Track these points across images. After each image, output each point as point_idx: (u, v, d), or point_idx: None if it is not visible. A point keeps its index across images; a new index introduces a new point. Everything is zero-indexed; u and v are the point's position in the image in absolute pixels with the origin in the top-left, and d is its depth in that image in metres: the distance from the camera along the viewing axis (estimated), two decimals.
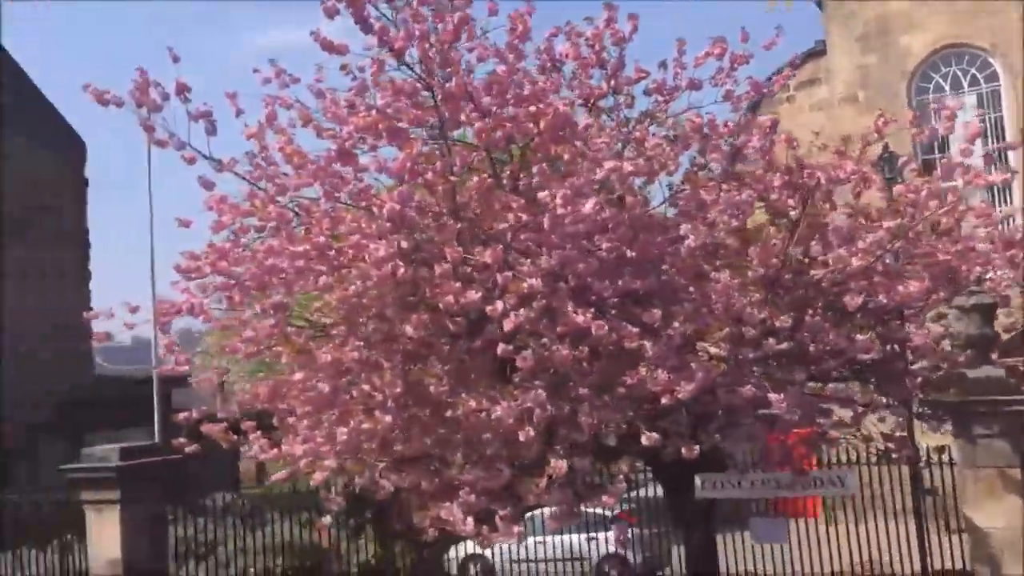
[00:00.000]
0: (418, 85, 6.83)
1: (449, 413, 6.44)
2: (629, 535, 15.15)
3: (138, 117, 7.44)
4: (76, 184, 24.09)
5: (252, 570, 13.91)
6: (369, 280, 6.11)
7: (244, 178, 7.77)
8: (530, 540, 13.58)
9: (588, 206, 5.83)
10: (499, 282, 6.14)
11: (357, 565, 15.12)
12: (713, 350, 5.96)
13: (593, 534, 15.02)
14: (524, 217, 6.66)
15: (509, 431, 6.40)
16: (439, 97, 6.94)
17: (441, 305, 6.21)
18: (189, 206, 8.98)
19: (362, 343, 6.51)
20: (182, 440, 7.79)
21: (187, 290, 7.47)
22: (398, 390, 6.18)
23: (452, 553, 16.45)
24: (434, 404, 6.42)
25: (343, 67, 7.29)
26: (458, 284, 6.19)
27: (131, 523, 9.85)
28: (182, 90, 7.40)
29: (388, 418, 6.15)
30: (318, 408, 6.68)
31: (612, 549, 15.32)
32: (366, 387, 6.33)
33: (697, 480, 8.29)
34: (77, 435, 22.82)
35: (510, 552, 15.11)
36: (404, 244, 6.19)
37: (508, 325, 6.12)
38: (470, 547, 15.84)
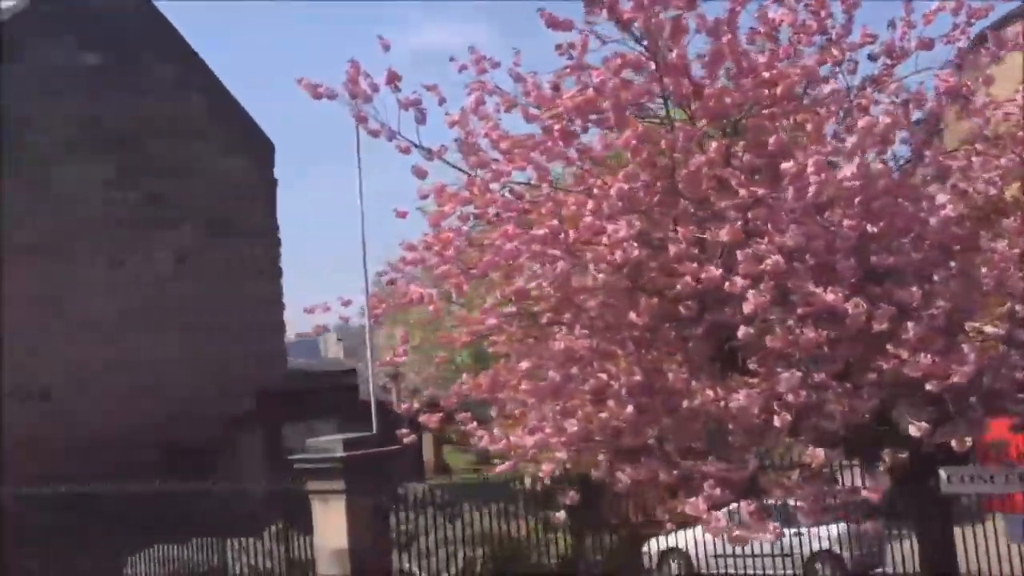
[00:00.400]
0: (644, 58, 6.60)
1: (685, 403, 6.18)
2: (839, 532, 14.47)
3: (350, 108, 7.52)
4: (266, 183, 25.13)
5: (455, 561, 14.03)
6: (603, 264, 5.92)
7: (454, 166, 7.76)
8: None
9: (850, 169, 5.39)
10: (739, 260, 5.83)
11: (555, 557, 15.08)
12: (989, 329, 5.43)
13: (801, 529, 14.40)
14: (759, 192, 6.33)
15: (750, 420, 6.10)
16: (661, 70, 6.70)
17: (678, 287, 5.96)
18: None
19: (587, 330, 6.34)
20: (405, 430, 7.85)
21: (394, 281, 7.50)
22: (636, 378, 5.95)
23: (648, 547, 16.15)
24: (670, 393, 6.17)
25: (558, 46, 7.15)
26: (694, 264, 5.93)
27: (356, 513, 10.04)
28: (392, 79, 7.42)
29: (628, 408, 5.93)
30: (544, 398, 6.55)
31: (823, 545, 14.67)
32: (602, 375, 6.13)
33: (942, 474, 7.71)
34: (274, 427, 23.81)
35: (713, 546, 14.67)
36: (637, 224, 5.96)
37: (748, 307, 5.80)
38: (664, 540, 15.52)
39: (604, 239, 6.04)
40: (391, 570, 10.61)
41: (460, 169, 7.76)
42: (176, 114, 22.95)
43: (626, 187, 6.29)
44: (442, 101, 7.59)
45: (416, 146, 7.49)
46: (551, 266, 5.97)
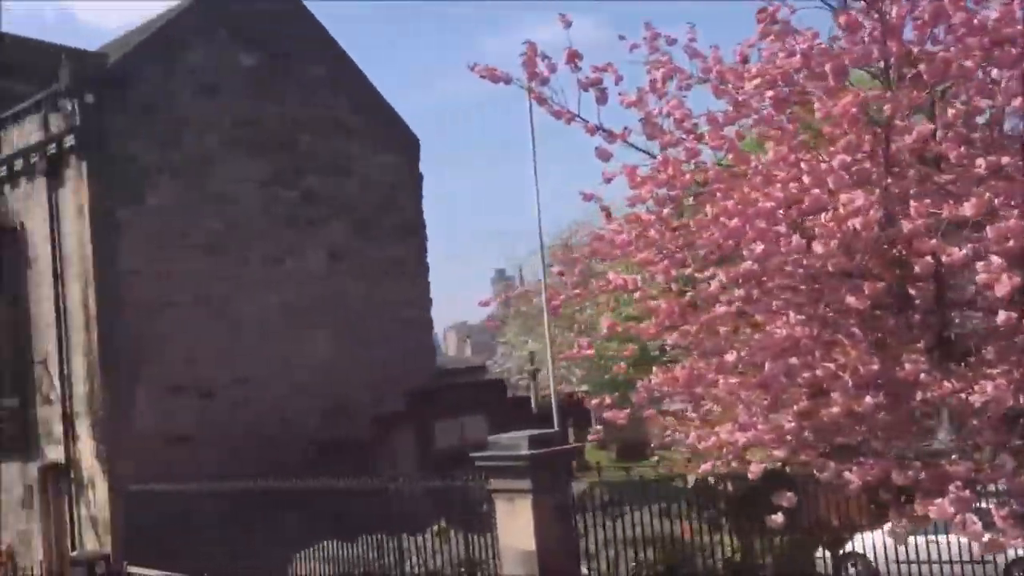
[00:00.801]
0: (862, 20, 6.09)
1: (920, 396, 5.62)
2: None
3: (529, 90, 7.28)
4: (412, 180, 25.32)
5: (624, 563, 13.63)
6: (831, 240, 5.43)
7: (639, 148, 7.40)
8: (920, 540, 12.28)
9: None
10: (990, 236, 5.24)
11: (721, 559, 14.53)
12: None
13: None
14: (1003, 160, 5.72)
15: (999, 416, 5.50)
16: (882, 32, 6.16)
17: (916, 268, 5.42)
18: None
19: (809, 317, 5.85)
20: (598, 428, 7.52)
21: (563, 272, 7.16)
22: (875, 367, 5.43)
23: (823, 551, 15.35)
24: (903, 385, 5.63)
25: (760, 12, 6.71)
26: (933, 241, 5.37)
27: (542, 513, 9.76)
28: (572, 58, 7.12)
29: (865, 400, 5.41)
30: (757, 392, 6.10)
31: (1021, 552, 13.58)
32: (829, 366, 5.63)
33: None
34: (425, 424, 23.95)
35: (895, 551, 13.79)
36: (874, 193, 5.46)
37: (1002, 290, 5.20)
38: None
39: (827, 215, 5.56)
40: (578, 573, 10.28)
41: (640, 150, 7.42)
42: (328, 113, 23.31)
43: (848, 158, 5.80)
44: (619, 80, 7.27)
45: (599, 128, 7.20)
46: (783, 243, 5.49)
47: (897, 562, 13.99)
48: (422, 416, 24.21)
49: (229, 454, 19.78)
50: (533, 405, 29.51)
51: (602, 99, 7.22)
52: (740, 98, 6.79)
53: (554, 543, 9.94)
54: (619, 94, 7.31)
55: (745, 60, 7.05)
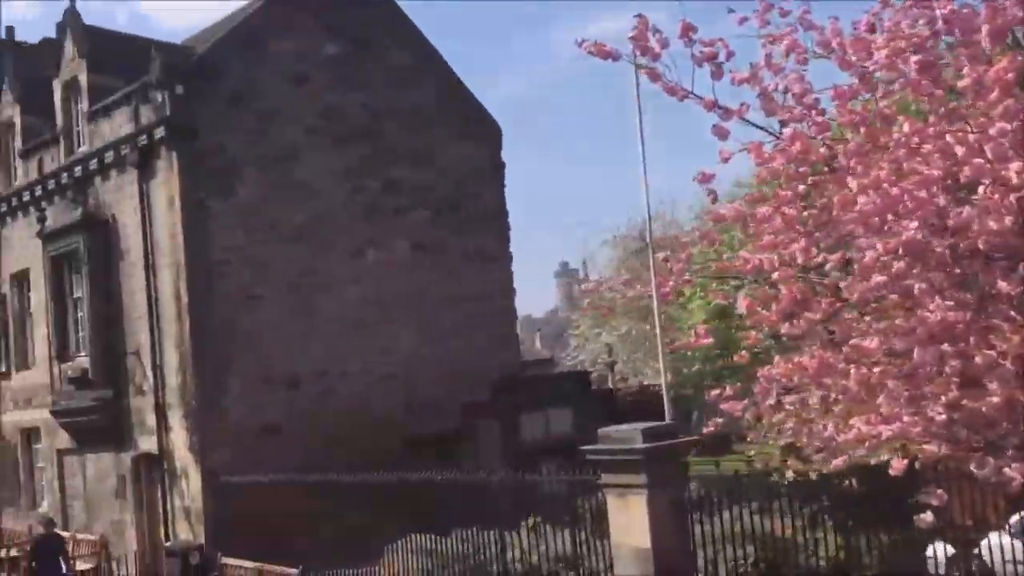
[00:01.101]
0: None
1: None
2: None
3: (639, 66, 7.02)
4: (494, 168, 25.11)
5: (723, 561, 13.22)
6: (997, 212, 5.01)
7: (757, 125, 7.08)
8: None
9: None
10: None
11: (824, 558, 14.02)
12: None
13: None
14: None
15: None
16: None
17: None
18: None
19: (963, 299, 5.43)
20: (718, 421, 7.17)
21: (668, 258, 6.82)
22: None
23: (933, 550, 14.71)
24: None
25: None
26: None
27: (658, 509, 9.44)
28: (686, 31, 6.81)
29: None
30: (903, 381, 5.70)
31: None
32: (991, 353, 5.20)
33: None
34: (510, 416, 23.74)
35: (1012, 551, 13.11)
36: None
37: None
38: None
39: (987, 188, 5.14)
40: (695, 572, 9.92)
41: (758, 127, 7.11)
42: (410, 102, 23.21)
43: (1008, 126, 5.36)
44: (730, 55, 6.95)
45: (716, 105, 6.88)
46: (941, 216, 5.09)
47: (1014, 562, 13.37)
48: (507, 408, 24.01)
49: (316, 446, 19.86)
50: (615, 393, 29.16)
51: (718, 74, 6.93)
52: (870, 69, 6.42)
53: (670, 541, 9.61)
54: (729, 71, 7.01)
55: (872, 30, 6.68)
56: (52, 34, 27.20)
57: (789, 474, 14.87)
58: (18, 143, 24.34)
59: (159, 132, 19.24)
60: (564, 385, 26.17)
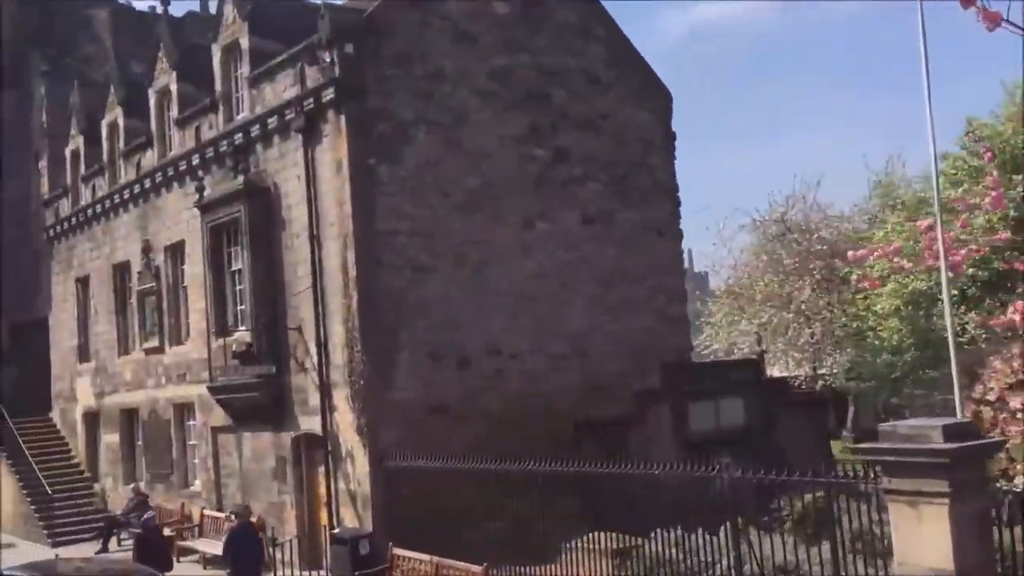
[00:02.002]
0: None
1: None
2: None
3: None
4: (664, 137, 23.49)
5: None
6: None
7: None
8: None
9: None
10: None
11: None
12: None
13: None
14: None
15: None
16: None
17: None
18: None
19: None
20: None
21: None
22: None
23: None
24: None
25: None
26: None
27: (962, 524, 7.77)
28: None
29: None
30: None
31: None
32: None
33: None
34: (680, 403, 22.20)
35: None
36: None
37: None
38: None
39: None
40: None
41: None
42: (580, 64, 21.80)
43: None
44: None
45: None
46: None
47: None
48: (677, 395, 22.51)
49: (484, 430, 18.71)
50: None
51: None
52: None
53: (974, 562, 7.92)
54: None
55: None
56: (196, 8, 26.70)
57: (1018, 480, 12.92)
58: (174, 111, 23.82)
59: (327, 94, 18.23)
60: (735, 373, 24.43)
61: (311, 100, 18.59)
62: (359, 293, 17.73)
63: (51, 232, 31.15)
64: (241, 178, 20.08)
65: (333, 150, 18.32)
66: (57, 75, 32.63)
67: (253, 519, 17.07)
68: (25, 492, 27.71)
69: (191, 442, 23.88)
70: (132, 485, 25.32)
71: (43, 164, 32.62)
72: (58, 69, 32.47)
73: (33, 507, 27.24)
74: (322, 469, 19.29)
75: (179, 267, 24.25)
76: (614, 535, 15.63)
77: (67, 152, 30.09)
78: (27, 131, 33.79)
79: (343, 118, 18.05)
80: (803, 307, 30.30)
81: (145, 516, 20.46)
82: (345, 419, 18.02)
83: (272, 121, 19.73)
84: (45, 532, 26.43)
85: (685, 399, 22.63)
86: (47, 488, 26.80)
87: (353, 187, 17.93)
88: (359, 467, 17.70)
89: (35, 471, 27.68)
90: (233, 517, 16.32)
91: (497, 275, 19.78)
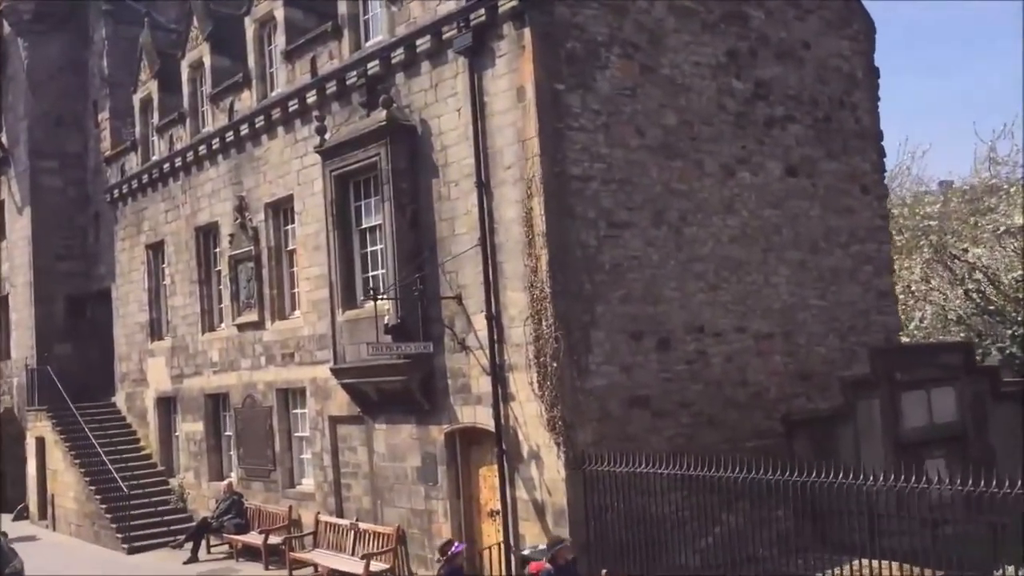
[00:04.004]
0: None
1: None
2: None
3: None
4: (868, 74, 19.93)
5: None
6: None
7: None
8: None
9: None
10: None
11: None
12: None
13: None
14: None
15: None
16: None
17: None
18: None
19: None
20: None
21: None
22: None
23: None
24: None
25: None
26: None
27: None
28: None
29: None
30: None
31: None
32: None
33: None
34: (892, 395, 18.83)
35: None
36: None
37: None
38: None
39: None
40: None
41: None
42: None
43: None
44: None
45: None
46: None
47: None
48: (888, 384, 19.08)
49: (686, 426, 15.46)
50: None
51: None
52: None
53: None
54: None
55: None
56: None
57: None
58: (280, 42, 20.46)
59: (505, 2, 14.79)
60: (945, 357, 20.89)
61: (480, 12, 15.16)
62: (549, 252, 14.32)
63: (114, 193, 27.92)
64: (383, 113, 16.67)
65: (512, 73, 14.89)
66: (122, 15, 29.31)
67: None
68: (93, 489, 24.58)
69: (299, 434, 20.63)
70: (225, 482, 22.10)
71: (104, 116, 29.38)
72: (123, 8, 29.14)
73: (103, 506, 24.12)
74: (484, 470, 16.01)
75: (284, 227, 20.94)
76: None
77: (136, 100, 26.80)
78: (84, 79, 30.53)
79: (527, 32, 14.61)
80: (912, 288, 27.44)
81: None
82: (528, 410, 14.66)
83: (424, 42, 16.31)
84: (118, 535, 23.33)
85: (897, 390, 19.21)
86: (122, 485, 23.62)
87: (541, 119, 14.50)
88: (549, 471, 14.34)
89: (106, 464, 24.52)
90: (545, 552, 12.52)
91: (698, 235, 16.37)
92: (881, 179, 20.06)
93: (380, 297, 15.41)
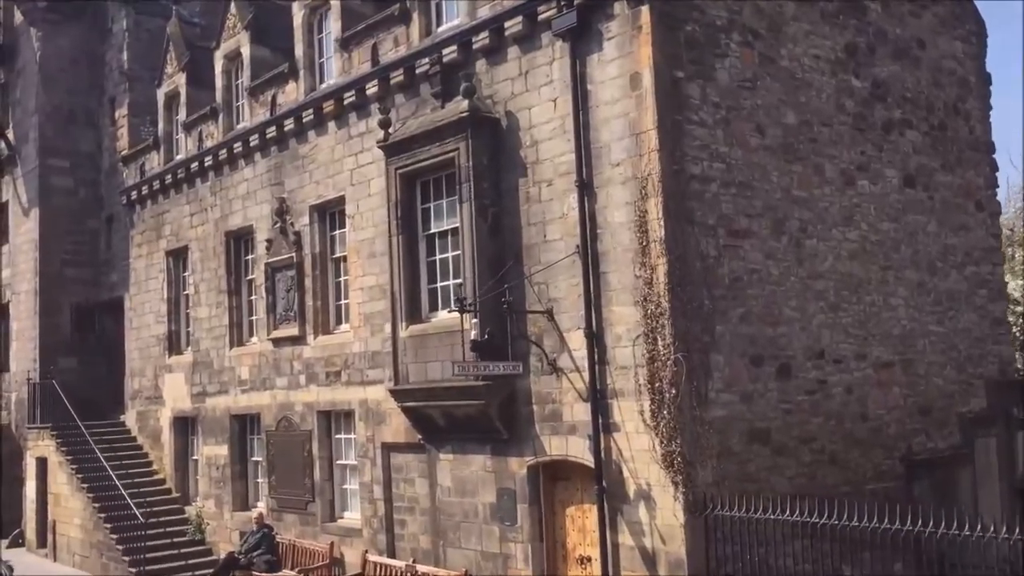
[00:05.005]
0: None
1: None
2: None
3: None
4: (980, 79, 18.36)
5: None
6: None
7: None
8: None
9: None
10: None
11: None
12: None
13: None
14: None
15: None
16: None
17: None
18: None
19: None
20: None
21: None
22: None
23: None
24: None
25: None
26: None
27: None
28: None
29: None
30: None
31: None
32: None
33: None
34: (1008, 434, 17.21)
35: None
36: None
37: None
38: None
39: None
40: None
41: None
42: None
43: None
44: None
45: None
46: None
47: None
48: (1005, 422, 17.49)
49: (806, 464, 13.78)
50: None
51: None
52: None
53: None
54: None
55: None
56: None
57: None
58: (334, 29, 18.77)
59: None
60: None
61: None
62: (669, 263, 12.59)
63: (132, 195, 26.12)
64: (464, 103, 14.97)
65: (624, 58, 13.21)
66: (144, 6, 27.64)
67: None
68: (102, 516, 22.63)
69: (343, 461, 18.78)
70: (255, 513, 20.20)
71: (122, 112, 27.63)
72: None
73: (114, 536, 22.16)
74: (573, 510, 14.22)
75: (332, 231, 19.18)
76: None
77: (160, 95, 25.06)
78: (99, 73, 28.78)
79: (645, 10, 12.94)
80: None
81: None
82: (636, 443, 12.88)
83: (514, 24, 14.64)
84: (131, 569, 21.33)
85: (1015, 428, 17.62)
86: (137, 512, 21.66)
87: (660, 110, 12.81)
88: (664, 514, 12.55)
89: (118, 489, 22.56)
90: None
91: (818, 249, 14.70)
92: (994, 195, 18.45)
93: (467, 309, 13.60)
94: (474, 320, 13.67)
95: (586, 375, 13.47)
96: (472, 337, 13.62)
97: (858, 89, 15.77)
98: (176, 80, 24.44)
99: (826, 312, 14.62)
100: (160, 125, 25.02)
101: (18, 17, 29.47)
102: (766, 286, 13.79)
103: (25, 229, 28.68)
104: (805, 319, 14.27)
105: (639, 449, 12.82)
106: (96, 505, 22.92)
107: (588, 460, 13.47)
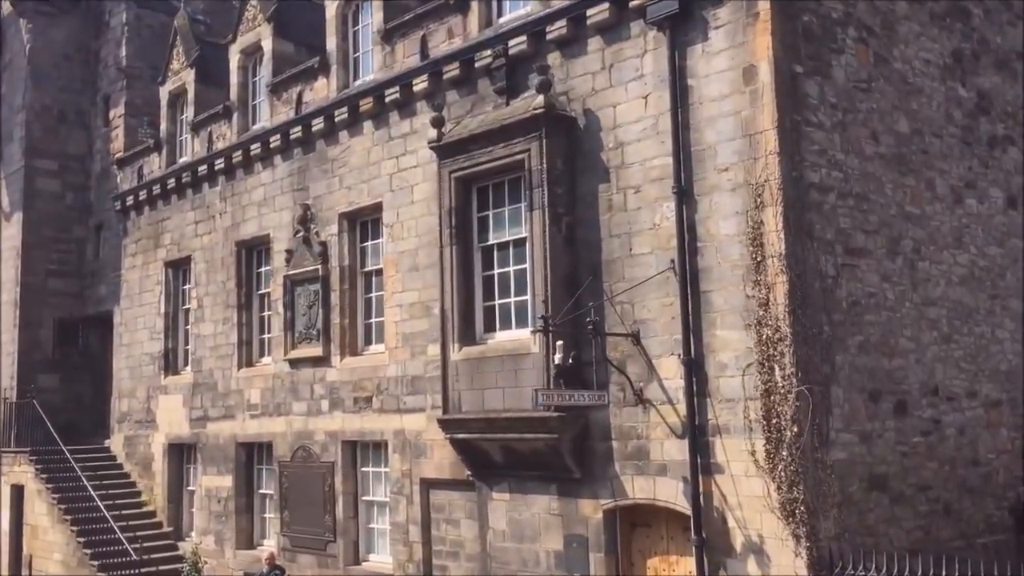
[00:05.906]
0: None
1: None
2: None
3: None
4: None
5: None
6: None
7: None
8: None
9: None
10: None
11: None
12: None
13: None
14: None
15: None
16: None
17: None
18: None
19: None
20: None
21: None
22: None
23: None
24: None
25: None
26: None
27: None
28: None
29: None
30: None
31: None
32: None
33: None
34: None
35: None
36: None
37: None
38: None
39: None
40: None
41: None
42: None
43: None
44: None
45: None
46: None
47: None
48: None
49: (926, 514, 12.37)
50: None
51: None
52: None
53: None
54: None
55: None
56: None
57: None
58: (374, 19, 17.24)
59: None
60: None
61: None
62: (789, 281, 11.11)
63: (127, 200, 24.34)
64: (539, 99, 13.46)
65: (735, 48, 11.79)
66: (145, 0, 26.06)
67: None
68: (87, 552, 20.68)
69: (370, 497, 17.07)
70: (265, 553, 18.35)
71: (118, 112, 25.90)
72: None
73: (101, 575, 20.19)
74: (656, 562, 12.63)
75: (364, 242, 17.55)
76: None
77: (163, 93, 23.37)
78: (92, 70, 27.04)
79: None
80: None
81: None
82: (745, 488, 11.34)
83: (599, 11, 13.19)
84: None
85: None
86: (130, 549, 19.74)
87: (780, 109, 11.38)
88: (780, 572, 10.97)
89: (107, 521, 20.68)
90: None
91: (931, 272, 13.31)
92: None
93: (550, 329, 12.02)
94: (559, 343, 12.07)
95: (682, 408, 11.93)
96: (556, 362, 12.02)
97: (965, 99, 14.46)
98: (183, 77, 22.78)
99: (939, 343, 13.20)
100: (162, 125, 23.33)
101: (6, 8, 27.70)
102: (882, 312, 12.35)
103: (7, 235, 26.77)
104: (920, 350, 12.84)
105: (748, 495, 11.28)
106: (81, 540, 20.98)
107: (682, 506, 11.90)
